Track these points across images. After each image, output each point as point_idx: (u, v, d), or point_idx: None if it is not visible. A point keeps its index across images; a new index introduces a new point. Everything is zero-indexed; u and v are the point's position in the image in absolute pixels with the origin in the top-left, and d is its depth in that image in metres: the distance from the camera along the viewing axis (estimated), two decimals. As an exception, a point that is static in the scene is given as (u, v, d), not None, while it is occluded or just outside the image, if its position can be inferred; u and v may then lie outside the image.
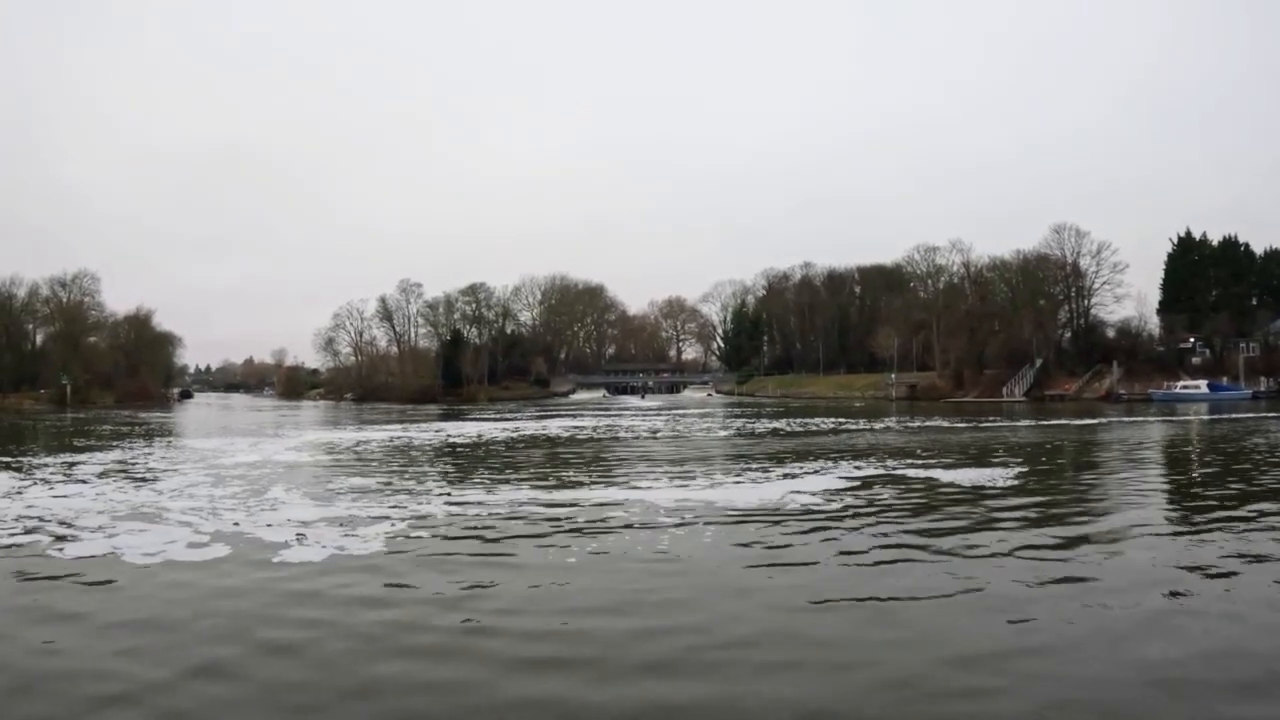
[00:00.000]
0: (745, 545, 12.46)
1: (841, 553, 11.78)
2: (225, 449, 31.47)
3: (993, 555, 11.50)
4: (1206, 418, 53.80)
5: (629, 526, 14.19)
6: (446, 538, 13.30)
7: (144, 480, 21.04)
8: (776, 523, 14.38)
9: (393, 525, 14.08)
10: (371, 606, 9.22)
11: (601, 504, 16.64)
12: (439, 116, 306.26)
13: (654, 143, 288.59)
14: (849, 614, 8.88)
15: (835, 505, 16.46)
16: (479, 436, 39.80)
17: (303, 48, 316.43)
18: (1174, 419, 52.74)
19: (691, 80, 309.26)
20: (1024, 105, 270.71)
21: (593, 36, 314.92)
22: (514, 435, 40.65)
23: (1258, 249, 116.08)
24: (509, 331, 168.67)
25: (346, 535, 13.09)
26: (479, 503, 16.83)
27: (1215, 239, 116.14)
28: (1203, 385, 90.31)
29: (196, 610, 9.00)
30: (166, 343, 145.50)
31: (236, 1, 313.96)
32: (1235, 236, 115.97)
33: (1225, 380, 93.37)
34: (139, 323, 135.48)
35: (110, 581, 10.39)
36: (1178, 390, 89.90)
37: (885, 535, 13.12)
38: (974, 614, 8.80)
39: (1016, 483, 19.99)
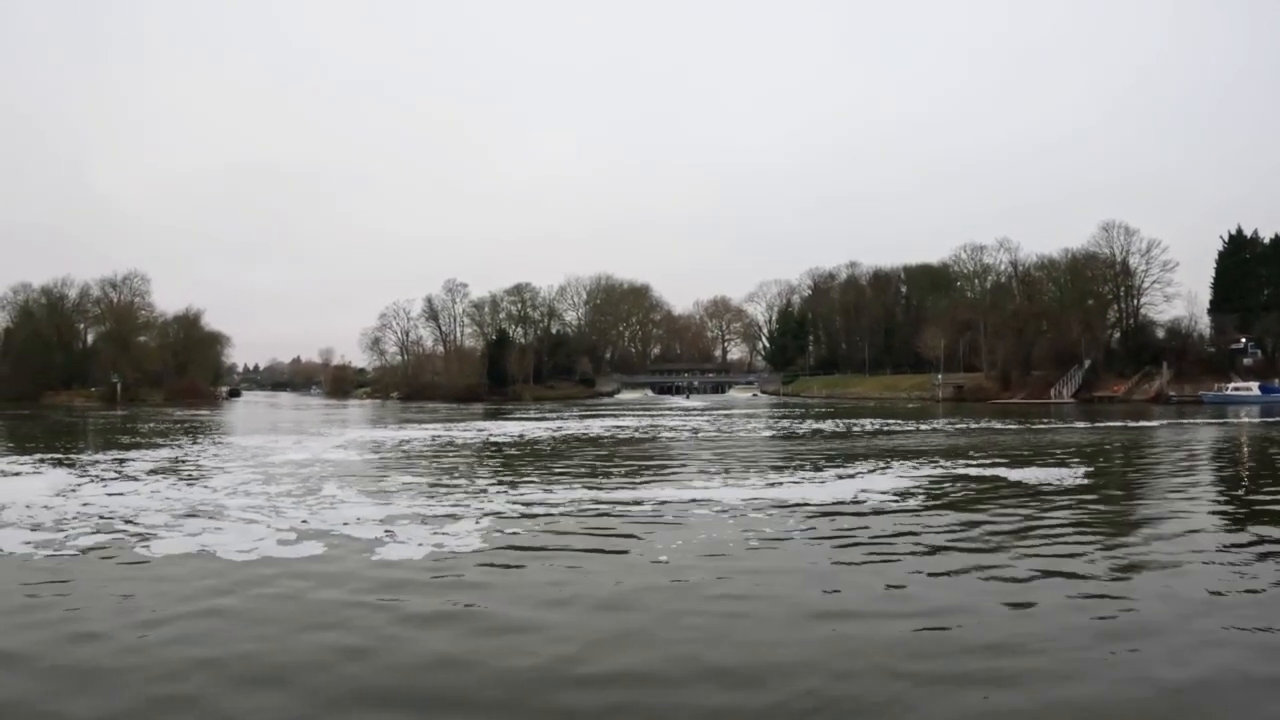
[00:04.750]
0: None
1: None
2: (272, 446, 31.49)
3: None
4: (1257, 420, 52.99)
5: (715, 522, 14.18)
6: (541, 532, 13.32)
7: (195, 478, 20.93)
8: (863, 521, 14.16)
9: (476, 523, 13.91)
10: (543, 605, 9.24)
11: (667, 502, 16.46)
12: (480, 120, 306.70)
13: (699, 144, 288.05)
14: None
15: (913, 503, 16.38)
16: (521, 436, 39.62)
17: (341, 58, 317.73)
18: (1227, 422, 51.91)
19: (733, 80, 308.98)
20: (1066, 97, 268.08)
21: (631, 37, 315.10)
22: (556, 435, 40.45)
23: None
24: (554, 331, 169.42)
25: (435, 533, 12.93)
26: (541, 501, 16.63)
27: (1267, 236, 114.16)
28: (1254, 387, 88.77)
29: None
30: (215, 342, 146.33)
31: (273, 15, 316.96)
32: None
33: (1277, 382, 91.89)
34: (188, 322, 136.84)
35: (240, 578, 10.25)
36: (1229, 392, 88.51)
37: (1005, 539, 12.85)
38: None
39: (1086, 482, 19.85)
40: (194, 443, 34.27)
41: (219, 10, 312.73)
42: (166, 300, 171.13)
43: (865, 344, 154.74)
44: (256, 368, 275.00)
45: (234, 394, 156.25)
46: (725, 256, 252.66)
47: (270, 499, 16.83)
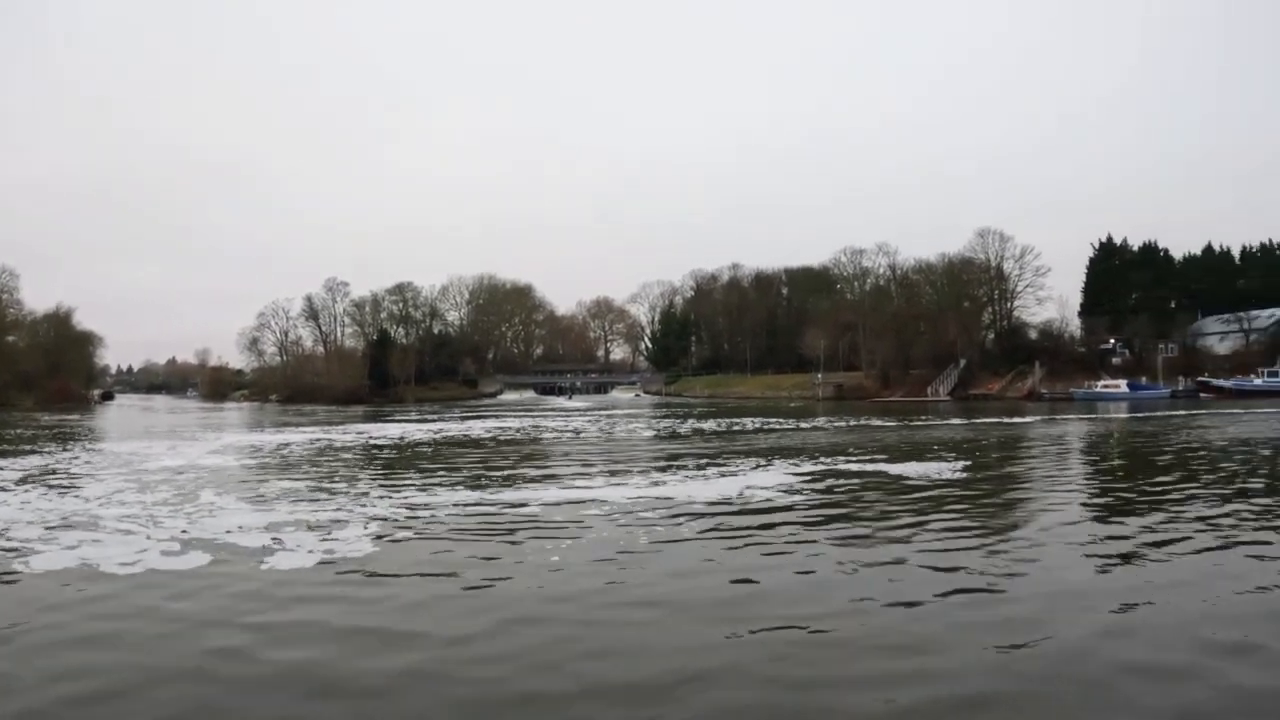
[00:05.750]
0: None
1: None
2: (146, 453, 30.58)
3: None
4: (1125, 415, 55.39)
5: (603, 523, 14.25)
6: (430, 536, 13.24)
7: (67, 487, 20.20)
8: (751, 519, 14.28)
9: (364, 528, 13.76)
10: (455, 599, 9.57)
11: (552, 503, 16.50)
12: (364, 115, 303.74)
13: (583, 147, 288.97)
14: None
15: (797, 499, 16.76)
16: (401, 438, 39.27)
17: (225, 42, 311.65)
18: (1095, 417, 54.15)
19: (619, 87, 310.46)
20: (949, 121, 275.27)
21: (522, 40, 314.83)
22: (437, 437, 40.13)
23: (1177, 254, 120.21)
24: (436, 332, 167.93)
25: (324, 539, 12.75)
26: (425, 505, 16.51)
27: (1135, 245, 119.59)
28: (1123, 385, 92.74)
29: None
30: (87, 342, 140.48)
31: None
32: (1155, 243, 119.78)
33: (1145, 380, 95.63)
34: (59, 321, 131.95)
35: (128, 592, 9.90)
36: (1098, 389, 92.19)
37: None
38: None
39: (965, 475, 20.74)
40: (64, 449, 33.20)
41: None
42: (34, 299, 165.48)
43: (748, 344, 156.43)
44: (130, 369, 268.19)
45: (107, 397, 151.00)
46: (608, 259, 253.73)
47: (146, 508, 16.39)
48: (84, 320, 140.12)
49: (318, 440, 38.34)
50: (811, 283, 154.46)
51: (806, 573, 10.50)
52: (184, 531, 13.62)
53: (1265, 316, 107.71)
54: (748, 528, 13.69)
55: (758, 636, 8.00)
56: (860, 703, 6.46)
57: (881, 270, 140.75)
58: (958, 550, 11.61)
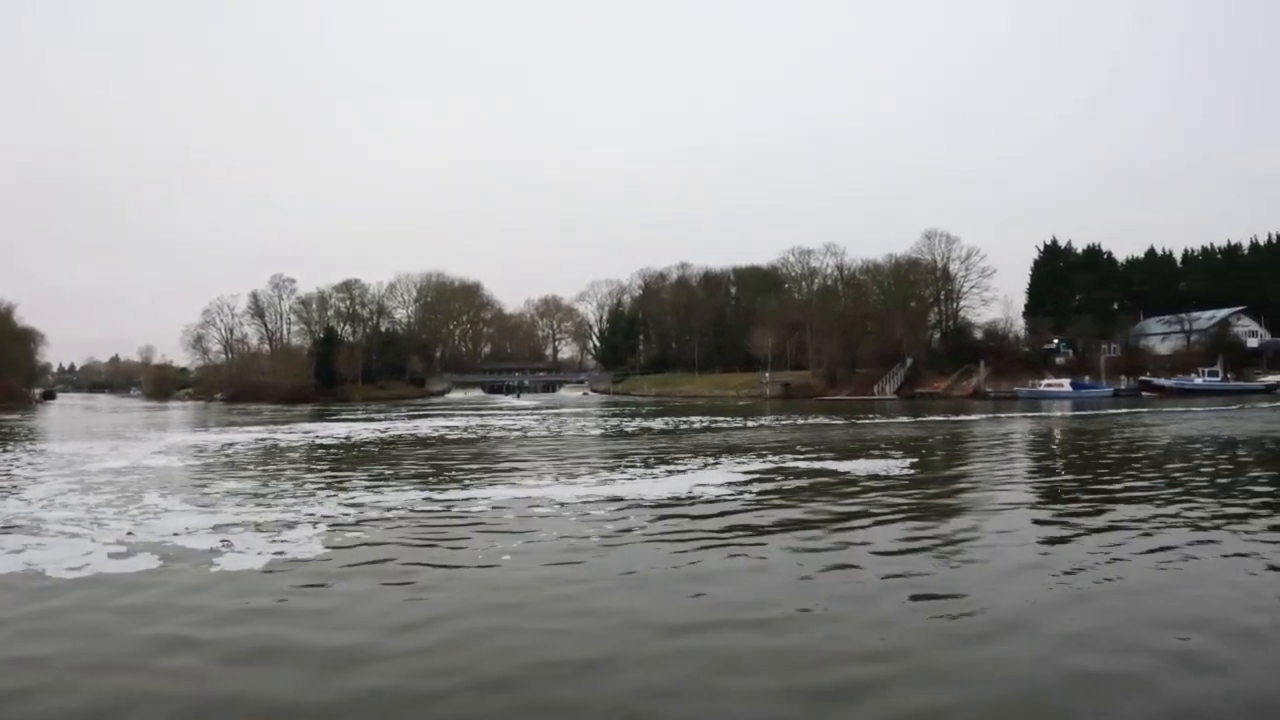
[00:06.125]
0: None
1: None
2: (88, 454, 30.06)
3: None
4: (1069, 414, 56.33)
5: (554, 522, 14.23)
6: (380, 538, 13.08)
7: (7, 490, 19.82)
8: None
9: (314, 528, 13.64)
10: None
11: (501, 503, 16.38)
12: (312, 109, 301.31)
13: (535, 146, 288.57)
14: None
15: (747, 497, 16.93)
16: (348, 438, 38.97)
17: (173, 33, 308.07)
18: (1039, 415, 54.99)
19: (575, 86, 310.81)
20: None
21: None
22: (384, 436, 39.93)
23: (1120, 257, 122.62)
24: (384, 329, 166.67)
25: (273, 540, 12.60)
26: (374, 504, 16.41)
27: (1080, 248, 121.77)
28: (1066, 384, 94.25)
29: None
30: (28, 339, 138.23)
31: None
32: (1099, 245, 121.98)
33: (1088, 379, 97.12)
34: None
35: (80, 596, 9.69)
36: (1042, 388, 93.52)
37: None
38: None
39: (912, 473, 21.00)
40: (4, 450, 32.63)
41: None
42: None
43: (696, 343, 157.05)
44: (73, 368, 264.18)
45: (49, 396, 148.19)
46: (558, 257, 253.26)
47: (90, 510, 16.11)
48: (25, 316, 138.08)
49: (264, 440, 37.94)
50: (760, 282, 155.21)
51: (756, 574, 10.51)
52: (130, 534, 13.40)
53: (1205, 318, 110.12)
54: (697, 527, 13.68)
55: (708, 643, 7.92)
56: (816, 713, 6.43)
57: (829, 270, 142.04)
58: (908, 553, 11.63)
